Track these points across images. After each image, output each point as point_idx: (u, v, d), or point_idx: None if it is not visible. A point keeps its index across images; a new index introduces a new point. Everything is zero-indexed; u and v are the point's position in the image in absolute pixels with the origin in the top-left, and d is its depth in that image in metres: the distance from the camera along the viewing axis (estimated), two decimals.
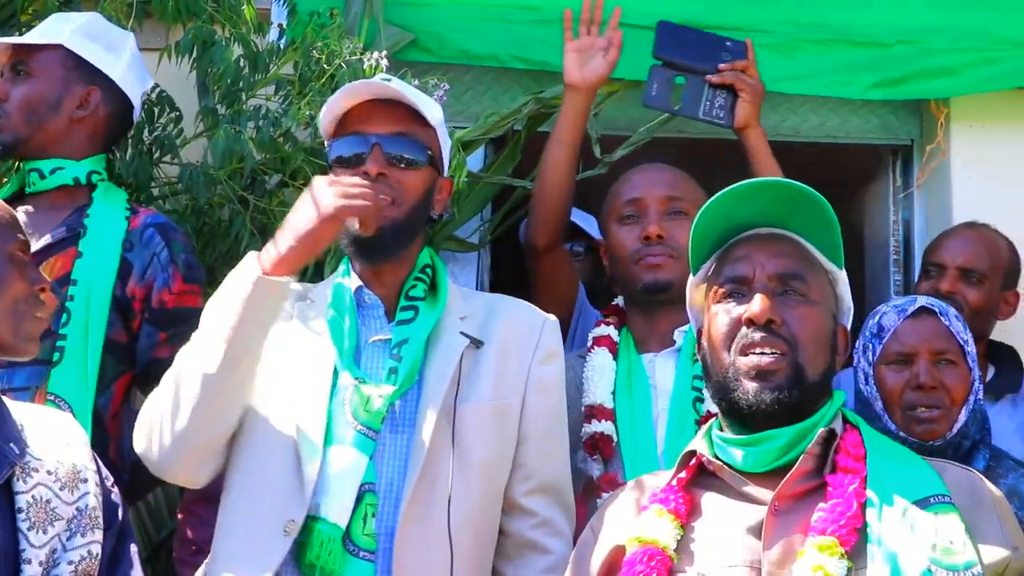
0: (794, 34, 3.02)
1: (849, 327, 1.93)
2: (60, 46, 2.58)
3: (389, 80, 2.16)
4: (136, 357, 2.50)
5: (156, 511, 3.05)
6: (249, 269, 1.94)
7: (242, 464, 2.02)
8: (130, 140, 2.85)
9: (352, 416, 1.98)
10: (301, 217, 1.94)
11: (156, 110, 2.92)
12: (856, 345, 2.45)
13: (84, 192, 2.57)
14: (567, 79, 2.83)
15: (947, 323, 2.36)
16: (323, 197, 1.94)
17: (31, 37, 2.61)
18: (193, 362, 1.95)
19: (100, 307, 2.43)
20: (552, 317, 2.22)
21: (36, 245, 2.41)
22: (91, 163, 2.60)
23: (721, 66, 2.89)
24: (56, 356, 2.38)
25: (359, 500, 1.94)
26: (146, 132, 2.91)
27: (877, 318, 2.43)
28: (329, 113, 2.14)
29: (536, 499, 2.11)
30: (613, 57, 2.86)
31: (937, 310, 2.38)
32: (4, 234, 1.90)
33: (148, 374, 2.44)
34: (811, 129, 3.36)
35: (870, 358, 2.41)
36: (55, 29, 2.61)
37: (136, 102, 2.71)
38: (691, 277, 1.97)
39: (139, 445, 2.01)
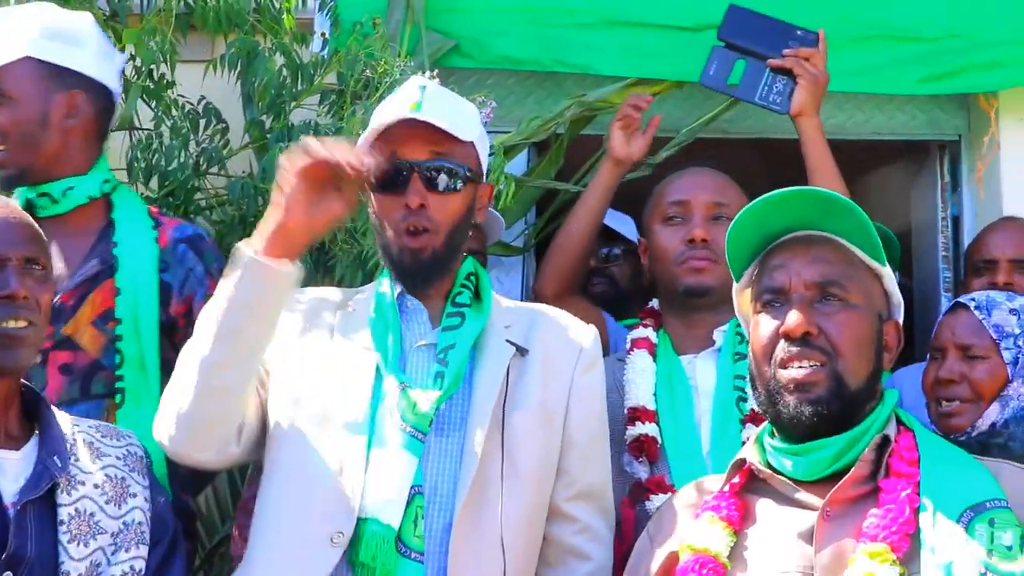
0: (839, 31, 2.98)
1: (901, 321, 1.92)
2: (26, 57, 2.40)
3: (423, 88, 2.14)
4: None
5: (208, 517, 3.08)
6: (242, 253, 1.93)
7: (281, 470, 2.03)
8: (177, 153, 2.86)
9: (400, 419, 1.99)
10: (276, 192, 1.93)
11: (202, 122, 2.95)
12: None
13: (100, 207, 2.47)
14: (612, 153, 2.85)
15: (981, 317, 2.34)
16: (290, 163, 1.91)
17: None
18: (192, 348, 1.98)
19: (151, 338, 2.39)
20: (592, 327, 2.23)
21: (70, 282, 2.36)
22: (98, 172, 2.47)
23: (785, 52, 2.87)
24: (118, 399, 2.35)
25: (409, 502, 1.95)
26: (192, 144, 2.93)
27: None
28: (369, 134, 2.13)
29: (578, 505, 2.11)
30: (651, 136, 2.90)
31: (973, 304, 2.37)
32: None
33: None
34: (856, 126, 3.32)
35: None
36: (13, 41, 2.42)
37: (114, 85, 2.52)
38: (735, 284, 1.97)
39: (156, 431, 2.03)
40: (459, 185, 2.12)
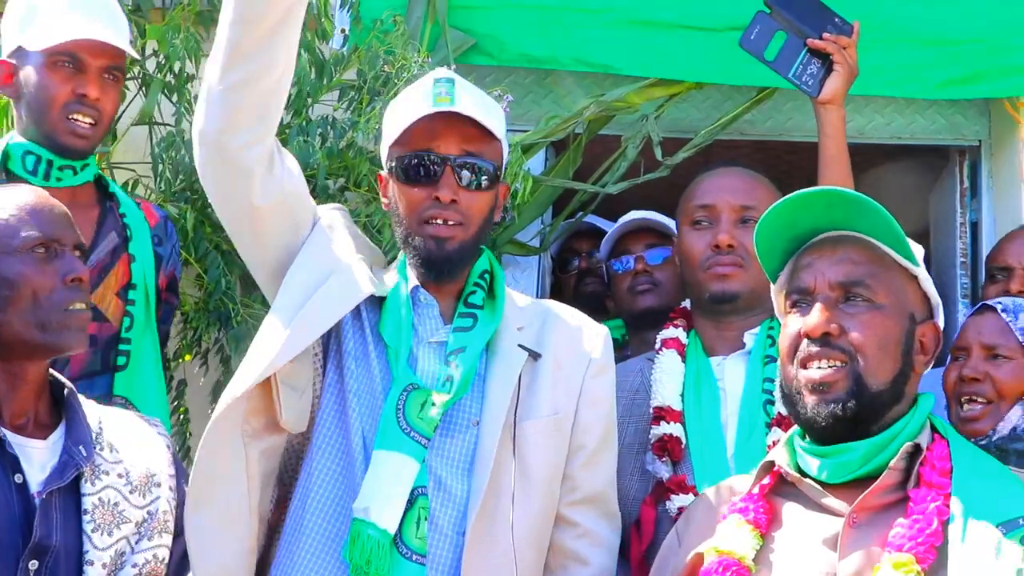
0: (860, 33, 2.98)
1: (941, 323, 1.90)
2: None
3: (452, 82, 2.10)
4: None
5: None
6: None
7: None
8: None
9: (405, 422, 1.98)
10: None
11: None
12: None
13: (91, 185, 2.52)
14: None
15: (1008, 320, 2.35)
16: None
17: None
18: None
19: (153, 306, 2.48)
20: (604, 329, 2.22)
21: (94, 255, 2.40)
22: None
23: (825, 35, 2.86)
24: (122, 360, 2.39)
25: (412, 503, 1.95)
26: None
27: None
28: (399, 119, 2.10)
29: (580, 510, 2.10)
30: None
31: (999, 307, 2.38)
32: (10, 230, 1.87)
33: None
34: (876, 130, 3.32)
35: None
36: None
37: None
38: (773, 285, 1.97)
39: (194, 126, 2.03)
40: (486, 183, 2.10)
